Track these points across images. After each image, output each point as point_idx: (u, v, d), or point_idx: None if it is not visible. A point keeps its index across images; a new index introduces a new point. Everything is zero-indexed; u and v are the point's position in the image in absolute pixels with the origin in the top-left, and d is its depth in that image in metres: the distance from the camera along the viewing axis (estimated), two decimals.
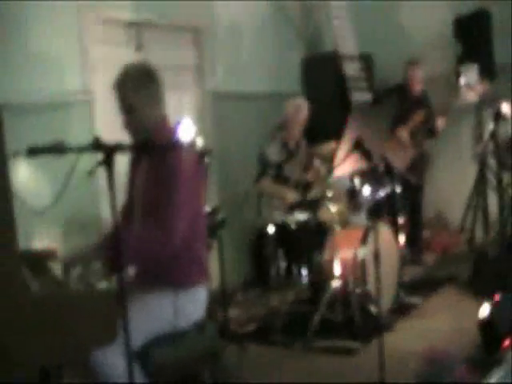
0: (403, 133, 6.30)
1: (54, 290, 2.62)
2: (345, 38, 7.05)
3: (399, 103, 6.58)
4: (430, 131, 6.52)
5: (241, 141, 6.36)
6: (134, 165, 3.17)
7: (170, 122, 3.18)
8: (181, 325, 2.95)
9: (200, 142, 4.48)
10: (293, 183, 5.35)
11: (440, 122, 6.47)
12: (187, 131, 4.19)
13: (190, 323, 3.02)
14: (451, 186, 7.05)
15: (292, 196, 5.24)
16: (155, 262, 2.90)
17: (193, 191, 2.97)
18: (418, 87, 6.60)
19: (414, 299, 5.32)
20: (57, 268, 2.88)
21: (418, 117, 6.35)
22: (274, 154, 5.52)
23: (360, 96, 6.79)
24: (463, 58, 6.69)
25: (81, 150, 2.45)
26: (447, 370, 3.52)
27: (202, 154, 4.40)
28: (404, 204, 5.84)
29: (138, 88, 2.99)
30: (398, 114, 6.45)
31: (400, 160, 5.65)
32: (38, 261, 2.92)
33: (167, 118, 3.14)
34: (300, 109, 5.69)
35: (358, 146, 3.81)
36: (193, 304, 3.02)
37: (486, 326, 4.05)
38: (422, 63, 6.62)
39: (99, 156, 2.41)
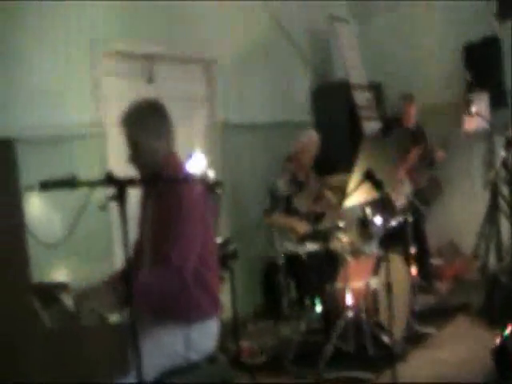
0: (400, 170, 6.29)
1: (66, 323, 2.62)
2: (354, 67, 7.10)
3: (394, 134, 6.62)
4: (429, 163, 6.56)
5: (251, 171, 6.39)
6: (144, 199, 3.19)
7: (179, 158, 3.19)
8: (192, 358, 2.95)
9: (211, 174, 4.51)
10: (303, 215, 5.35)
11: (440, 155, 6.51)
12: (198, 164, 4.23)
13: (201, 356, 3.01)
14: (463, 213, 7.05)
15: (303, 228, 5.24)
16: (166, 296, 2.90)
17: (201, 224, 2.98)
18: (411, 122, 6.67)
19: (427, 328, 5.28)
20: (69, 301, 2.89)
21: (413, 154, 6.37)
22: (283, 186, 5.53)
23: (370, 125, 6.82)
24: (473, 86, 6.72)
25: (93, 184, 2.47)
26: None
27: (213, 185, 4.42)
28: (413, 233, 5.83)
29: (142, 125, 3.02)
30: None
31: (399, 196, 5.68)
32: (50, 293, 2.92)
33: (175, 154, 3.15)
34: (311, 141, 5.72)
35: (369, 176, 3.81)
36: (204, 337, 3.02)
37: (500, 354, 4.02)
38: (416, 99, 6.67)
39: (111, 190, 2.43)
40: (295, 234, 5.23)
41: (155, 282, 2.82)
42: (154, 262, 2.97)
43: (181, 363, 2.93)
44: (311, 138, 5.76)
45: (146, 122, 3.03)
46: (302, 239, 5.12)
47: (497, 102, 6.57)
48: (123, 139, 3.09)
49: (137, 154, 3.04)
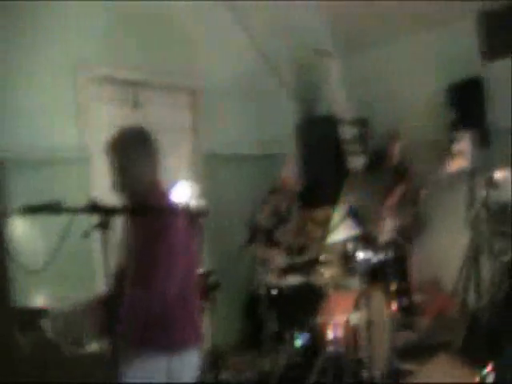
0: (384, 207, 6.29)
1: (45, 350, 2.58)
2: (340, 102, 7.15)
3: (378, 171, 6.64)
4: (413, 201, 6.56)
5: (235, 202, 6.37)
6: (127, 225, 3.18)
7: (163, 185, 3.18)
8: None
9: (197, 203, 4.50)
10: (285, 247, 5.33)
11: (422, 194, 6.52)
12: (183, 193, 4.22)
13: None
14: (446, 250, 7.03)
15: (281, 260, 5.21)
16: (145, 322, 2.87)
17: (185, 253, 2.97)
18: (395, 159, 6.70)
19: (408, 365, 5.25)
20: (48, 327, 2.85)
21: (396, 192, 6.37)
22: (264, 219, 5.53)
23: (356, 160, 6.85)
24: (456, 125, 6.77)
25: (77, 211, 2.45)
26: None
27: (198, 215, 4.40)
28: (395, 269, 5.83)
29: (128, 152, 3.01)
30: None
31: (382, 232, 5.69)
32: (31, 319, 2.89)
33: (160, 182, 3.15)
34: (290, 166, 5.73)
35: (353, 212, 3.82)
36: (186, 368, 2.99)
37: None
38: (400, 137, 6.71)
39: (96, 218, 2.41)
40: (274, 267, 5.21)
41: (137, 307, 2.79)
42: (135, 287, 2.94)
43: None
44: (290, 164, 5.78)
45: (132, 150, 3.03)
46: (285, 272, 5.10)
47: (480, 142, 6.61)
48: (108, 166, 3.07)
49: (121, 182, 3.03)
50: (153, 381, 2.87)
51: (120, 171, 3.02)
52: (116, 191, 3.06)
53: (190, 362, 3.02)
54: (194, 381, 3.05)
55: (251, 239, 5.51)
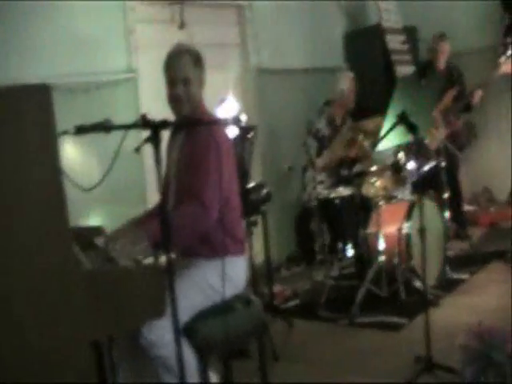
0: (434, 113, 6.12)
1: (104, 265, 2.66)
2: (388, 11, 6.97)
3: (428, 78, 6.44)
4: (466, 106, 6.36)
5: (285, 116, 6.37)
6: (171, 143, 3.26)
7: (206, 106, 3.24)
8: (228, 292, 2.97)
9: (244, 118, 4.49)
10: (336, 159, 5.28)
11: (477, 96, 6.29)
12: (230, 109, 4.23)
13: (235, 290, 3.08)
14: (499, 159, 6.93)
15: (333, 172, 5.19)
16: (198, 234, 2.94)
17: (229, 165, 3.03)
18: (442, 61, 6.47)
19: (461, 275, 5.27)
20: (103, 245, 2.92)
21: (448, 96, 6.20)
22: (323, 128, 5.53)
23: (404, 70, 6.71)
24: (510, 29, 6.55)
25: (128, 127, 2.48)
26: (496, 347, 3.48)
27: (246, 129, 4.41)
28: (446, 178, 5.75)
29: (193, 64, 3.10)
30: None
31: (432, 140, 5.60)
32: (86, 237, 2.96)
33: (203, 102, 3.21)
34: (352, 84, 5.68)
35: (403, 120, 3.75)
36: (237, 270, 3.10)
37: None
38: (449, 37, 6.47)
39: (145, 133, 2.43)
40: (325, 179, 5.20)
41: (187, 220, 2.87)
42: (180, 202, 3.02)
43: (216, 300, 2.97)
44: (351, 80, 5.72)
45: (195, 64, 3.11)
46: (333, 183, 5.09)
47: None
48: (169, 75, 3.11)
49: (183, 91, 3.07)
50: (207, 285, 2.97)
51: (185, 80, 3.07)
52: (172, 102, 3.11)
53: (240, 265, 3.13)
54: (244, 285, 3.18)
55: (320, 149, 5.45)
